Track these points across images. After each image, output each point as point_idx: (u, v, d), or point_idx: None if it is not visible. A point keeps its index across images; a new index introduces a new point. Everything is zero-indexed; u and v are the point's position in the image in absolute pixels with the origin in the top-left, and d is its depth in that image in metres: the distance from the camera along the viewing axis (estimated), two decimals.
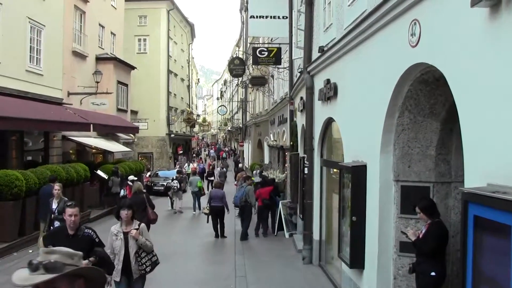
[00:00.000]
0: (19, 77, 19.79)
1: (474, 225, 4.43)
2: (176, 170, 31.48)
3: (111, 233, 8.10)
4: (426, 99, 7.03)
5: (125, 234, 8.01)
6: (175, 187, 25.40)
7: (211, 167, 39.63)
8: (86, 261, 6.26)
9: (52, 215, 12.76)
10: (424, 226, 6.87)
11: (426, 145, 7.28)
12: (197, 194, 24.99)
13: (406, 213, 7.44)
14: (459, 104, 5.25)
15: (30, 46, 20.90)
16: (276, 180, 21.17)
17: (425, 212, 6.78)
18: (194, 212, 24.60)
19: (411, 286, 7.35)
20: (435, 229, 6.67)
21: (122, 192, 21.80)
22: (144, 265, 8.17)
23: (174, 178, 26.59)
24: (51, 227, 12.35)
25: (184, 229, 20.89)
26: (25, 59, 20.52)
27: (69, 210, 7.12)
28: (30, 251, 15.38)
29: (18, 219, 15.71)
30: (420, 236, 6.82)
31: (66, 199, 12.68)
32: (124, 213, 8.07)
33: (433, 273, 6.61)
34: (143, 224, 8.31)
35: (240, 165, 42.89)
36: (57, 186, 13.40)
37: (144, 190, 16.20)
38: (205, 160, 60.52)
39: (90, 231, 7.25)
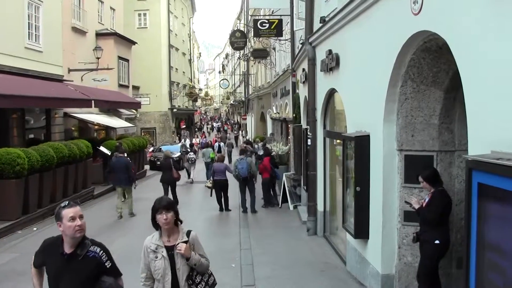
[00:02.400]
0: (18, 54, 19.70)
1: (478, 193, 4.42)
2: (182, 144, 32.68)
3: (146, 249, 5.34)
4: (429, 68, 6.99)
5: (169, 250, 5.23)
6: (193, 158, 27.40)
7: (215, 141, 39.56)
8: None
9: None
10: (428, 195, 6.88)
11: (429, 114, 7.25)
12: (210, 164, 26.05)
13: (410, 182, 7.45)
14: (462, 72, 5.21)
15: (28, 23, 20.74)
16: (279, 153, 21.26)
17: (428, 181, 6.79)
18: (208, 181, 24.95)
19: (415, 255, 7.39)
20: (439, 198, 6.69)
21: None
22: None
23: (190, 150, 29.58)
24: None
25: (188, 203, 20.94)
26: (24, 36, 20.38)
27: (68, 211, 4.62)
28: (35, 229, 15.44)
29: (21, 198, 15.63)
30: (424, 205, 6.84)
31: None
32: (162, 218, 5.11)
33: (437, 241, 6.64)
34: (194, 233, 5.49)
35: (246, 137, 42.74)
36: None
37: (172, 156, 21.67)
38: (209, 134, 60.57)
39: (98, 250, 4.70)
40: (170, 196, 17.74)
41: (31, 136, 22.06)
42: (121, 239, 13.67)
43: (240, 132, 56.95)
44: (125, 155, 18.81)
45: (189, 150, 29.62)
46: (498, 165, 4.03)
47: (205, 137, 48.83)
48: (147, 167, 31.40)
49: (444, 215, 6.72)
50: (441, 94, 7.10)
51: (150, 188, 22.77)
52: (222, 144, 31.43)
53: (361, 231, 8.85)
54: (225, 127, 73.79)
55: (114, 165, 17.80)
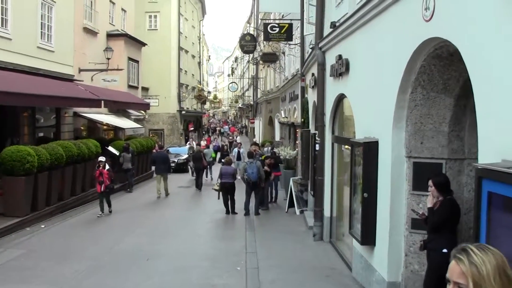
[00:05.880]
0: (30, 53, 19.82)
1: (488, 202, 4.38)
2: (190, 146, 35.63)
3: None
4: (440, 75, 6.94)
5: None
6: None
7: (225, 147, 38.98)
8: None
9: None
10: (436, 204, 6.81)
11: (439, 121, 7.20)
12: (210, 163, 29.06)
13: (418, 189, 7.39)
14: (473, 79, 5.17)
15: (41, 23, 20.89)
16: (287, 157, 21.38)
17: (437, 187, 6.69)
18: (206, 178, 27.80)
19: (422, 263, 7.33)
20: (447, 205, 6.61)
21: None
22: None
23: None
24: None
25: (195, 205, 21.01)
26: (36, 36, 20.54)
27: None
28: (43, 226, 15.54)
29: (30, 195, 15.80)
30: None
31: None
32: None
33: (444, 250, 6.57)
34: None
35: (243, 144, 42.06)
36: None
37: (201, 148, 28.96)
38: (218, 137, 60.59)
39: None
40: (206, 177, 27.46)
41: (41, 134, 22.31)
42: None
43: (235, 137, 50.86)
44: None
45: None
46: (509, 174, 3.99)
47: (212, 141, 48.05)
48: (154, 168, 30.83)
49: (452, 223, 6.66)
50: (451, 102, 7.05)
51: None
52: (242, 150, 31.03)
53: (368, 238, 8.81)
54: (222, 130, 74.27)
55: (156, 157, 23.65)
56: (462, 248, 2.33)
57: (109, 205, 17.91)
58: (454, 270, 2.29)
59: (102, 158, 17.97)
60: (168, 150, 36.35)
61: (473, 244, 2.32)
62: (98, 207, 17.43)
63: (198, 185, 25.18)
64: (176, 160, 32.70)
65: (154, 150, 31.58)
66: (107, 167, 17.71)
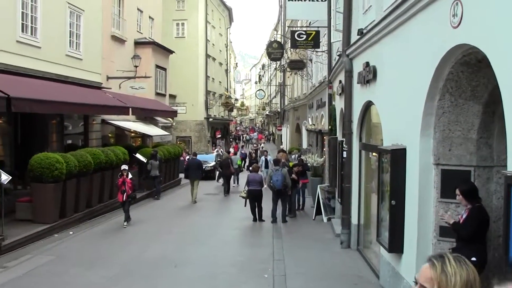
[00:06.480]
0: (59, 61, 20.06)
1: None
2: (218, 154, 36.57)
3: None
4: (468, 82, 6.89)
5: None
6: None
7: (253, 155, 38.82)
8: None
9: None
10: (465, 211, 6.75)
11: (467, 128, 7.14)
12: (237, 170, 29.83)
13: (447, 197, 7.32)
14: (502, 86, 5.12)
15: (70, 31, 21.13)
16: (314, 164, 21.34)
17: (464, 196, 6.64)
18: (233, 185, 28.68)
19: None
20: (476, 214, 6.55)
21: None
22: None
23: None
24: None
25: (221, 212, 21.02)
26: (65, 44, 20.78)
27: None
28: (71, 232, 15.72)
29: (59, 202, 16.00)
30: (461, 221, 6.71)
31: None
32: None
33: (473, 259, 6.49)
34: None
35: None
36: None
37: (229, 155, 29.19)
38: (245, 144, 60.66)
39: None
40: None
41: (69, 141, 22.56)
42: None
43: (259, 145, 51.10)
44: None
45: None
46: None
47: (240, 149, 48.03)
48: (181, 175, 30.05)
49: (480, 232, 6.58)
50: (479, 108, 6.99)
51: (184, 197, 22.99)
52: (269, 158, 30.91)
53: (396, 245, 8.74)
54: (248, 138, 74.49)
55: (190, 163, 24.34)
56: (440, 254, 2.38)
57: (127, 218, 17.26)
58: (425, 273, 2.35)
59: (125, 167, 17.77)
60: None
61: (452, 254, 2.35)
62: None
63: (226, 190, 26.05)
64: (203, 167, 32.70)
65: (181, 158, 31.87)
66: (130, 175, 17.58)
